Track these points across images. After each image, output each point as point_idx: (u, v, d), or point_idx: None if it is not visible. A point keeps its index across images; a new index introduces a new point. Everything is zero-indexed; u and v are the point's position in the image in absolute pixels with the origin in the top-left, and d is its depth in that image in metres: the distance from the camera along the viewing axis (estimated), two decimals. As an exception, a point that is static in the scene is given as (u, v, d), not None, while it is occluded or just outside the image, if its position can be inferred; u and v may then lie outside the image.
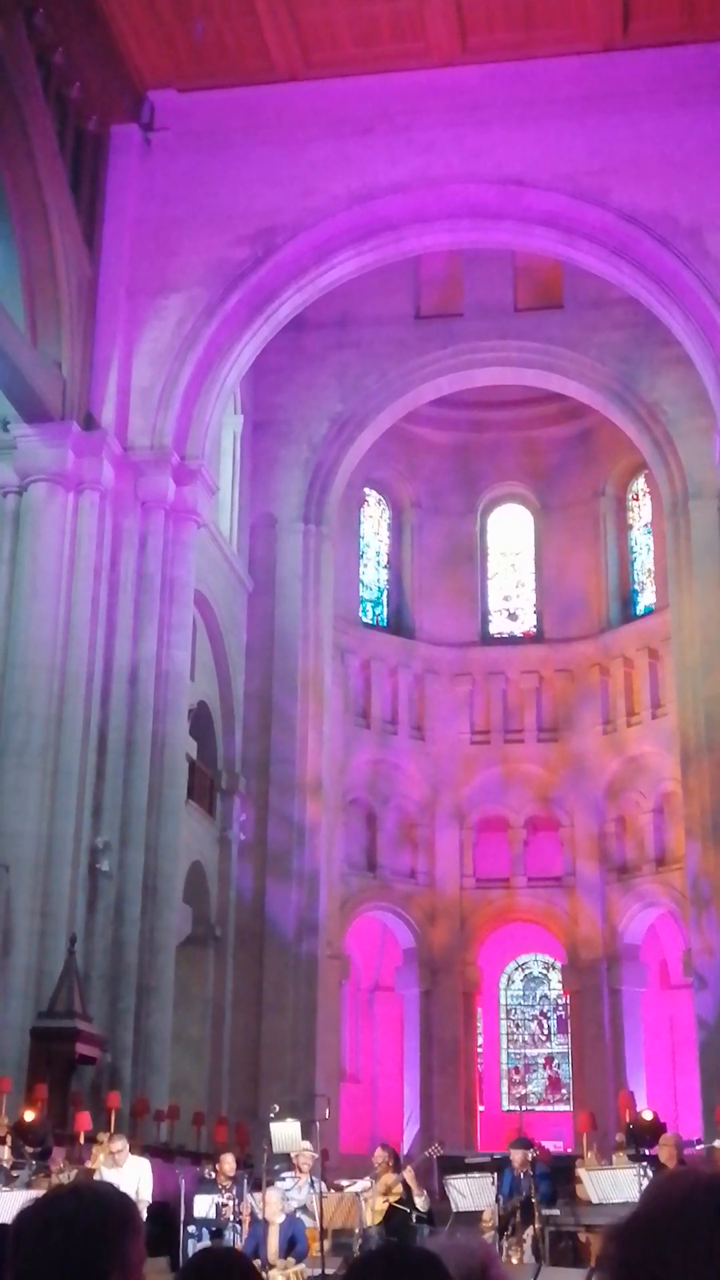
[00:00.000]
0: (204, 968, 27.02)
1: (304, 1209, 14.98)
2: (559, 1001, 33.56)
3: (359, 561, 34.02)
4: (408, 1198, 15.25)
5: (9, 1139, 15.88)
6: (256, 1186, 15.03)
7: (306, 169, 25.31)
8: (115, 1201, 2.65)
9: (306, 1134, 16.36)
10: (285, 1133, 16.28)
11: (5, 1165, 15.06)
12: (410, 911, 32.27)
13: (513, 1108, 32.43)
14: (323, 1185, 15.42)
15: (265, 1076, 26.68)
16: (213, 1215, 15.20)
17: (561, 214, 24.94)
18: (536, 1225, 13.93)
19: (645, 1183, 12.90)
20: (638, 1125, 17.67)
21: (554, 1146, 24.22)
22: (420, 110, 25.17)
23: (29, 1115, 16.77)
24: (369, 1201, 15.22)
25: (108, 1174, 14.33)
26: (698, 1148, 18.50)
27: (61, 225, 22.99)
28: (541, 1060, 33.79)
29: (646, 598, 32.58)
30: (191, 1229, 14.95)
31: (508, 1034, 34.12)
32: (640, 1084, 29.05)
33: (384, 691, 32.84)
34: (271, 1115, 16.52)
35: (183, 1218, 14.87)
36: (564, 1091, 32.70)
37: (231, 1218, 15.02)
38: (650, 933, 31.53)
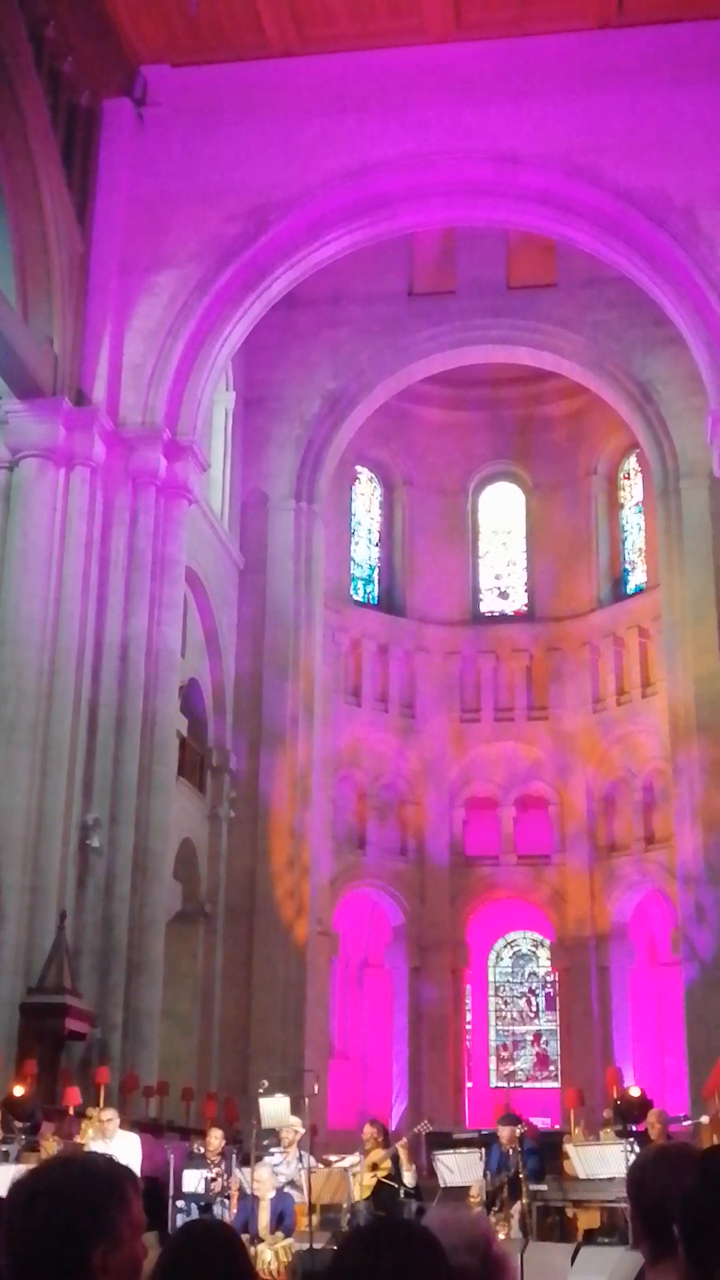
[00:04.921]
0: (194, 944, 27.07)
1: (292, 1184, 15.05)
2: (547, 979, 33.68)
3: (350, 539, 34.01)
4: (396, 1173, 15.32)
5: (-2, 1114, 15.94)
6: (245, 1161, 15.10)
7: (300, 145, 25.20)
8: (103, 1171, 2.63)
9: (295, 1110, 16.43)
10: (274, 1108, 16.35)
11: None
12: (400, 888, 32.34)
13: (501, 1084, 32.67)
14: (312, 1160, 15.49)
15: (254, 1052, 26.73)
16: (201, 1190, 15.27)
17: (556, 191, 24.84)
18: (524, 1200, 14.01)
19: (632, 1158, 12.95)
20: (625, 1102, 17.82)
21: (541, 1123, 24.31)
22: (415, 87, 25.05)
23: (18, 1090, 16.86)
24: (357, 1177, 15.30)
25: (96, 1147, 14.35)
26: (684, 1124, 18.63)
27: (53, 201, 22.89)
28: (530, 1037, 33.91)
29: (637, 577, 32.61)
30: (180, 1204, 15.01)
31: (496, 1011, 34.23)
32: (628, 1061, 29.14)
33: (375, 669, 32.86)
34: (260, 1091, 16.59)
35: (171, 1192, 14.93)
36: (552, 1068, 32.84)
37: (220, 1192, 15.11)
38: (639, 911, 31.62)
